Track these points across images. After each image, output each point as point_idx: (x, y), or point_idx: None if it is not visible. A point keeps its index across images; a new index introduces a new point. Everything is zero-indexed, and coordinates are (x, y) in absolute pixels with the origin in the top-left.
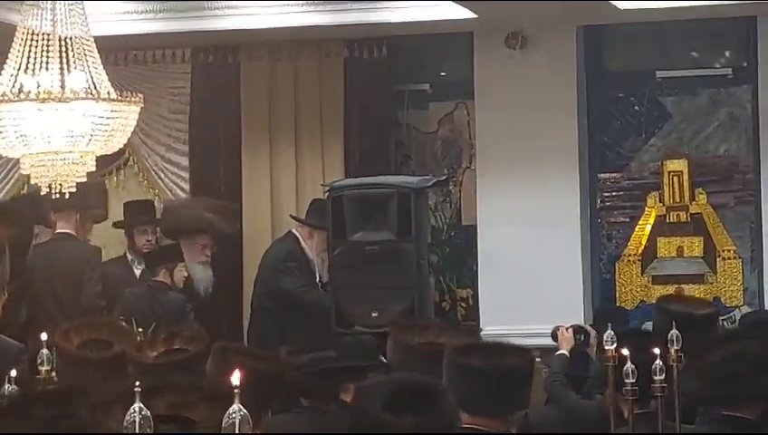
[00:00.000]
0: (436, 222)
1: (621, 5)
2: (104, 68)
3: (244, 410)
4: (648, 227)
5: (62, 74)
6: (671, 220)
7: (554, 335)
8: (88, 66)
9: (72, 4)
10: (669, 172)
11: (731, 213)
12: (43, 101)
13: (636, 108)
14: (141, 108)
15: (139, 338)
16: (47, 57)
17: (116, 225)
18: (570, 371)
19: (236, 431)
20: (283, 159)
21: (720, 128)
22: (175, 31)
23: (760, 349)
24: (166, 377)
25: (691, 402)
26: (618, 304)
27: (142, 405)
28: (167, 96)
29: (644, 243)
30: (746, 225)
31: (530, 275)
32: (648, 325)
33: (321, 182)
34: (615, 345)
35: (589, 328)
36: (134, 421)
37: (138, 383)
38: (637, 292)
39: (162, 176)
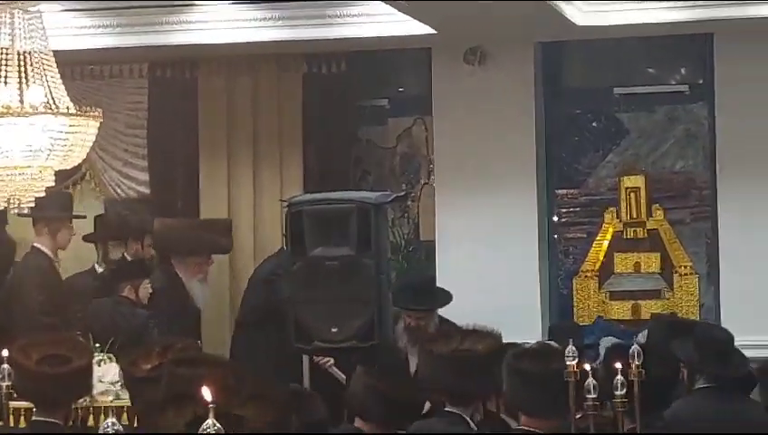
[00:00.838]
0: (395, 238)
1: (580, 22)
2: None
3: (218, 425)
4: (606, 243)
5: (20, 88)
6: (628, 236)
7: None
8: (47, 80)
9: (31, 18)
10: (626, 188)
11: (687, 229)
12: (2, 115)
13: (593, 124)
14: (100, 123)
15: (95, 353)
16: (6, 71)
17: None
18: None
19: None
20: (241, 175)
21: (677, 144)
22: (132, 46)
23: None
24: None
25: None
26: (575, 320)
27: (115, 420)
28: (124, 111)
29: (601, 259)
30: (702, 241)
31: (488, 291)
32: (606, 341)
33: (280, 198)
34: (576, 361)
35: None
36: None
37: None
38: (594, 307)
39: (119, 191)
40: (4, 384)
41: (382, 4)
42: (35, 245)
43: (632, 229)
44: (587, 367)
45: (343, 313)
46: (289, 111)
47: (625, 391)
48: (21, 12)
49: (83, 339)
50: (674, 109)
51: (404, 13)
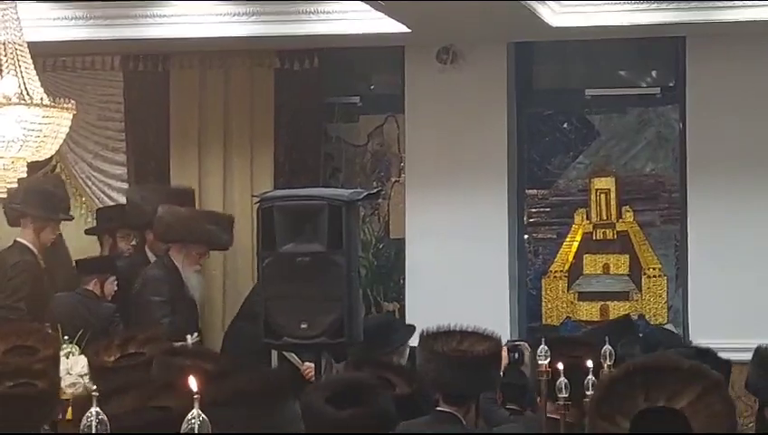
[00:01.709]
0: (365, 235)
1: (554, 23)
2: None
3: (204, 416)
4: (575, 244)
5: None
6: (598, 237)
7: None
8: (21, 71)
9: (5, 8)
10: (597, 190)
11: (656, 231)
12: None
13: (565, 125)
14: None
15: (64, 346)
16: None
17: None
18: (504, 389)
19: None
20: (211, 169)
21: (648, 147)
22: (105, 38)
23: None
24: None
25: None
26: (543, 321)
27: (99, 410)
28: (96, 103)
29: (570, 259)
30: (672, 243)
31: (457, 290)
32: None
33: (251, 193)
34: (549, 360)
35: (524, 346)
36: (90, 425)
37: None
38: (562, 308)
39: (90, 184)
40: None
41: (356, 1)
42: (18, 239)
43: (602, 231)
44: (560, 366)
45: (313, 309)
46: (260, 107)
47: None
48: None
49: (53, 332)
50: (645, 111)
51: (378, 10)
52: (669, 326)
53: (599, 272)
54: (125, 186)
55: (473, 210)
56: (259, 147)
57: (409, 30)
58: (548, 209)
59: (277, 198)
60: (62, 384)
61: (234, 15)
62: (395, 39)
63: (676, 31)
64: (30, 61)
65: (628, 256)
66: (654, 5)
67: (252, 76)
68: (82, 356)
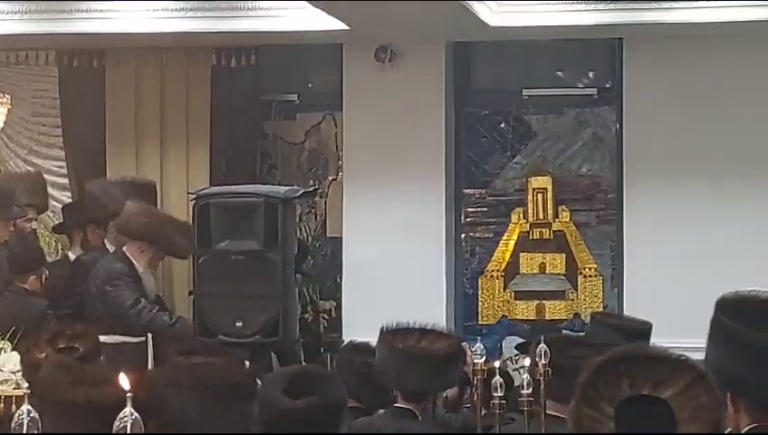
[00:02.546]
0: (302, 234)
1: (492, 22)
2: None
3: (137, 414)
4: (512, 243)
5: None
6: (534, 237)
7: None
8: None
9: None
10: (533, 189)
11: (592, 231)
12: None
13: (502, 125)
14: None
15: None
16: None
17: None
18: None
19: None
20: (147, 166)
21: (584, 147)
22: (39, 33)
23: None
24: None
25: None
26: (480, 320)
27: (31, 407)
28: (29, 98)
29: (507, 259)
30: (607, 243)
31: (394, 289)
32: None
33: (186, 190)
34: (483, 359)
35: (464, 346)
36: (22, 423)
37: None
38: (499, 307)
39: None
40: None
41: None
42: None
43: (538, 230)
44: (496, 364)
45: (248, 307)
46: (196, 104)
47: (531, 389)
48: None
49: None
50: (582, 112)
51: (317, 8)
52: None
53: (535, 271)
54: (60, 181)
55: (410, 209)
56: (195, 144)
57: (348, 28)
58: (485, 209)
59: (213, 195)
60: None
61: (170, 11)
62: (334, 36)
63: (613, 32)
64: None
65: (564, 256)
66: (591, 6)
67: (188, 73)
68: (15, 353)
